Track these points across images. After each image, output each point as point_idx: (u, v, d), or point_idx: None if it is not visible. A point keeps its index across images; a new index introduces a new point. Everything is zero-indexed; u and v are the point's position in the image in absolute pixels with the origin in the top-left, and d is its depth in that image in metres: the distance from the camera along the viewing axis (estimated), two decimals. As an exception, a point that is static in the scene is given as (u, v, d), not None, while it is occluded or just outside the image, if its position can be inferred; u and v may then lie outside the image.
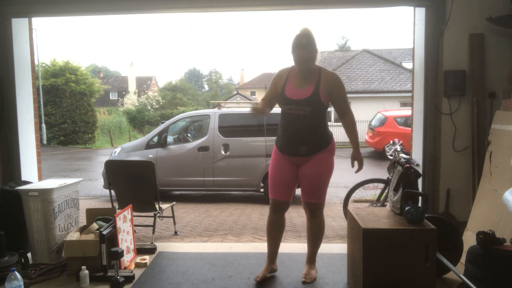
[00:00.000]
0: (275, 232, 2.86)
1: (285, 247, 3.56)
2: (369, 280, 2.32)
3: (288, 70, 2.79)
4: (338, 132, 21.73)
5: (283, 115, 2.77)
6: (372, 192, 5.12)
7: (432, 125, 3.42)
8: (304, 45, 2.61)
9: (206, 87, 60.77)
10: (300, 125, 2.67)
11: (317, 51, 2.68)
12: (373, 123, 13.72)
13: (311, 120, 2.66)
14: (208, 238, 4.08)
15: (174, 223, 4.39)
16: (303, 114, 2.64)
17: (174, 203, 4.33)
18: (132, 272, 2.92)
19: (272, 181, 2.81)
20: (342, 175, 9.65)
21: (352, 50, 27.74)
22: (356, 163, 2.76)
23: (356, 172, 2.75)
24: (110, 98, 40.33)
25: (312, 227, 2.86)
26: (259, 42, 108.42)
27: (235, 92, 35.80)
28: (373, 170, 10.37)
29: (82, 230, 3.12)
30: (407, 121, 12.20)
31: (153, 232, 3.71)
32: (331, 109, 20.24)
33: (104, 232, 2.78)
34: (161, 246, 3.61)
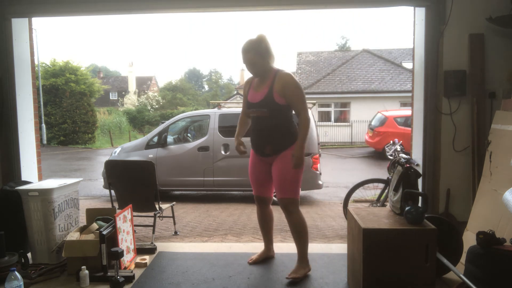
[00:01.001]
0: (262, 222, 3.20)
1: (285, 247, 3.57)
2: (369, 280, 2.33)
3: (252, 77, 3.01)
4: (338, 132, 21.58)
5: (251, 119, 3.00)
6: (372, 192, 5.12)
7: (432, 125, 3.42)
8: (245, 49, 2.81)
9: (206, 87, 60.75)
10: (262, 126, 2.87)
11: (264, 56, 2.80)
12: (373, 123, 13.72)
13: (271, 121, 2.82)
14: (208, 238, 4.08)
15: (174, 223, 4.39)
16: (262, 116, 2.83)
17: (174, 203, 4.33)
18: (132, 272, 2.92)
19: (250, 178, 3.09)
20: (342, 175, 9.67)
21: (352, 50, 27.72)
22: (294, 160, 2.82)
23: (293, 168, 2.77)
24: (110, 98, 40.33)
25: (291, 224, 2.93)
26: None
27: (235, 92, 35.75)
28: (373, 170, 10.37)
29: (82, 230, 3.12)
30: (407, 121, 12.20)
31: (153, 232, 3.71)
32: (331, 109, 19.95)
33: (104, 232, 2.78)
34: (161, 246, 3.61)
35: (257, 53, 2.78)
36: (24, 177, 3.65)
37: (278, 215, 5.41)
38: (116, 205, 3.80)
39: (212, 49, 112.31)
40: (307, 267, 2.93)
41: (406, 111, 12.85)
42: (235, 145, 3.06)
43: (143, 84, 43.10)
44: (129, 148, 7.01)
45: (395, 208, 2.67)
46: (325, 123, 18.34)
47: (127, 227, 3.18)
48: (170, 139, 7.03)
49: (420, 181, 3.34)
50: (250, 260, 3.19)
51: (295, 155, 2.75)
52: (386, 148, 4.83)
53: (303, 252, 2.93)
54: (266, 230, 3.23)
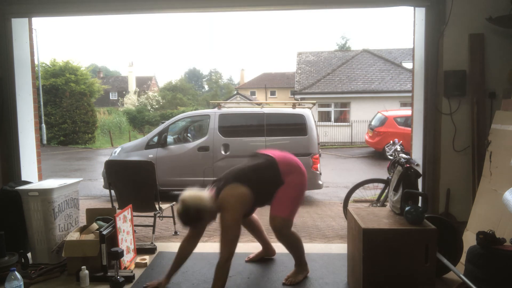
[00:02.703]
0: (250, 231, 3.22)
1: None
2: (369, 280, 2.33)
3: None
4: (338, 132, 21.51)
5: None
6: (372, 192, 5.12)
7: (432, 125, 3.42)
8: (184, 225, 2.55)
9: (206, 87, 60.73)
10: None
11: (200, 216, 2.49)
12: (373, 123, 13.72)
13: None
14: (208, 238, 4.08)
15: (174, 223, 4.39)
16: None
17: (174, 203, 4.32)
18: (132, 272, 2.92)
19: None
20: (342, 175, 9.67)
21: (352, 50, 27.71)
22: None
23: None
24: (110, 98, 40.32)
25: (283, 244, 2.83)
26: (259, 42, 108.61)
27: (235, 92, 35.81)
28: (373, 170, 10.36)
29: (82, 230, 3.12)
30: (407, 121, 12.20)
31: (153, 232, 3.71)
32: (331, 109, 19.90)
33: (104, 232, 2.78)
34: (161, 246, 3.61)
35: (193, 221, 2.51)
36: (24, 177, 3.65)
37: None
38: (116, 205, 3.80)
39: (212, 49, 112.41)
40: (306, 271, 2.90)
41: (406, 111, 12.84)
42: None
43: (143, 84, 43.09)
44: (129, 148, 7.01)
45: (395, 208, 2.67)
46: (325, 123, 18.31)
47: (127, 227, 3.18)
48: (170, 139, 7.03)
49: (420, 181, 3.34)
50: (247, 258, 3.20)
51: None
52: (386, 148, 4.85)
53: (300, 258, 2.90)
54: (257, 235, 3.23)
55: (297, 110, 6.60)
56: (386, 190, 4.33)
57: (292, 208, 2.72)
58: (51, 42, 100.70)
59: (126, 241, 3.11)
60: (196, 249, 3.55)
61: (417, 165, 3.53)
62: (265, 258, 3.24)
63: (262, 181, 2.64)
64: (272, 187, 2.68)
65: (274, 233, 2.77)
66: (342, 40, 40.86)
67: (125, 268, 2.98)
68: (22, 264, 2.85)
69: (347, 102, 18.84)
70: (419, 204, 2.56)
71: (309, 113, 6.62)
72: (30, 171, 3.77)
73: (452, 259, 2.62)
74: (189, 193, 2.47)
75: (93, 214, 3.24)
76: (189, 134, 7.70)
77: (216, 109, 6.96)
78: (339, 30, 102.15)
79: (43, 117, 18.08)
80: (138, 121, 28.40)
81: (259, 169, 2.68)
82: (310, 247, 3.68)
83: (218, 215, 2.62)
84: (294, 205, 2.73)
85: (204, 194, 2.51)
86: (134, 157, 6.56)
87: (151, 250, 3.43)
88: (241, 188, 2.56)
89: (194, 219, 2.49)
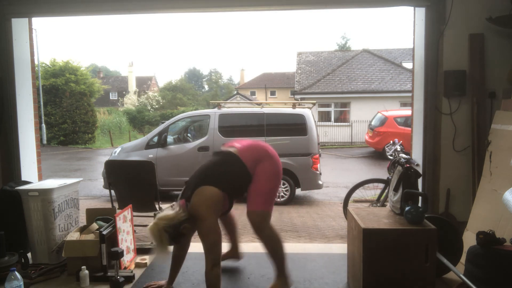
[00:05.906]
0: (224, 228, 3.08)
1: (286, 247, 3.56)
2: (369, 280, 2.33)
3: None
4: (338, 132, 21.49)
5: None
6: (372, 192, 5.12)
7: (432, 125, 3.42)
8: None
9: (206, 87, 60.75)
10: None
11: (172, 239, 2.35)
12: (373, 123, 13.72)
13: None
14: (208, 238, 4.07)
15: (174, 223, 4.38)
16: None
17: (174, 203, 4.32)
18: (132, 272, 2.92)
19: None
20: (342, 175, 9.67)
21: (352, 50, 27.72)
22: None
23: None
24: (110, 98, 40.34)
25: (263, 242, 2.59)
26: (259, 42, 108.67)
27: (235, 92, 35.81)
28: (373, 170, 10.37)
29: (82, 230, 3.12)
30: (407, 121, 12.20)
31: (153, 232, 3.70)
32: (331, 109, 19.86)
33: (104, 232, 2.78)
34: (161, 246, 3.60)
35: (176, 239, 2.40)
36: (24, 177, 3.65)
37: (277, 214, 5.41)
38: (116, 205, 3.80)
39: (212, 49, 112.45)
40: (288, 283, 2.65)
41: (406, 111, 12.84)
42: None
43: (143, 84, 43.11)
44: (129, 148, 7.02)
45: (395, 208, 2.67)
46: (325, 123, 18.33)
47: (127, 227, 3.18)
48: (170, 139, 7.04)
49: (420, 181, 3.34)
50: None
51: None
52: (386, 148, 4.85)
53: (281, 267, 2.62)
54: (231, 236, 3.14)
55: (297, 110, 6.61)
56: (386, 190, 4.33)
57: (266, 198, 2.54)
58: (51, 42, 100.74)
59: (126, 241, 3.11)
60: (196, 249, 3.55)
61: (417, 165, 3.53)
62: (230, 258, 3.15)
63: (229, 177, 2.52)
64: (242, 181, 2.55)
65: (253, 229, 2.60)
66: (342, 40, 40.90)
67: (125, 268, 2.98)
68: (22, 264, 2.85)
69: (347, 102, 18.85)
70: (419, 204, 2.56)
71: (309, 113, 6.62)
72: (30, 171, 3.77)
73: (452, 259, 2.62)
74: (157, 219, 2.34)
75: (93, 214, 3.25)
76: (189, 134, 7.71)
77: (216, 109, 6.97)
78: (339, 30, 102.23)
79: (43, 117, 18.09)
80: (138, 121, 28.41)
81: (223, 166, 2.57)
82: (310, 247, 3.69)
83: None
84: (268, 196, 2.54)
85: (172, 212, 2.41)
86: (134, 157, 6.56)
87: (151, 250, 3.43)
88: (208, 190, 2.45)
89: (176, 238, 2.37)
